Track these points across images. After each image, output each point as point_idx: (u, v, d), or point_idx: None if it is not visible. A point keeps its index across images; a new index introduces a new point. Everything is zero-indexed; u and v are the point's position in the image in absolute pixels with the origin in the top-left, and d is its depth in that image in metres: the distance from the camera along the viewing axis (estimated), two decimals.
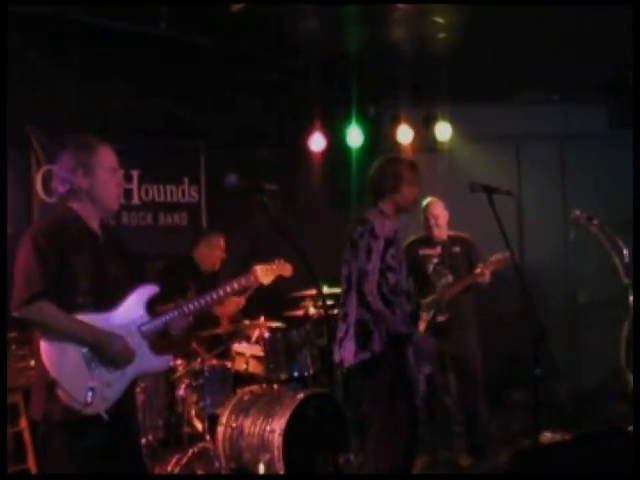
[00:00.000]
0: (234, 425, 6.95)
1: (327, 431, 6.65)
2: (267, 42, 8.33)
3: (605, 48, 7.93)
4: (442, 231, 7.66)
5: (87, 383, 4.17)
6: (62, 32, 7.45)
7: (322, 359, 7.35)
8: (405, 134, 9.85)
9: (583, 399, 9.01)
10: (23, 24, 7.18)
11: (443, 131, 9.81)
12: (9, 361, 6.74)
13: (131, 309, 4.47)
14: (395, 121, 9.93)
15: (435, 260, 7.57)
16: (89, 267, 4.32)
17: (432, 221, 7.61)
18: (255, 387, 7.33)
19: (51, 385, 4.14)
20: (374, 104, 10.34)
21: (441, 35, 8.22)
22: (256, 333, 7.46)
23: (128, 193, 8.43)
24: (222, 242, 7.76)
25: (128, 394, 4.47)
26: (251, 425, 6.84)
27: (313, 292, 7.52)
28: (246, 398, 7.14)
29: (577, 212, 7.52)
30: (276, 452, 6.56)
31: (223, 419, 7.03)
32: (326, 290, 6.76)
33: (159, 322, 4.56)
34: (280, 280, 5.54)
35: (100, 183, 4.42)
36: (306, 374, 7.30)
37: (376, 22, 7.96)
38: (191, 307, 4.70)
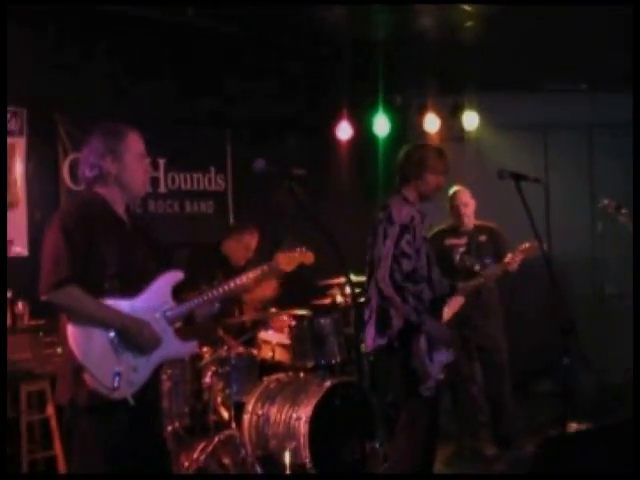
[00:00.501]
0: (260, 413, 6.95)
1: (353, 419, 6.67)
2: (294, 30, 8.32)
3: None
4: (470, 220, 7.66)
5: (114, 368, 4.20)
6: (89, 20, 7.47)
7: (349, 347, 7.34)
8: (432, 123, 9.81)
9: (609, 390, 8.96)
10: (51, 11, 7.21)
11: (470, 120, 9.77)
12: (38, 348, 6.79)
13: (157, 295, 4.49)
14: (422, 110, 9.88)
15: (461, 249, 7.57)
16: (116, 252, 4.35)
17: (462, 209, 7.60)
18: (281, 375, 7.31)
19: (78, 370, 4.16)
20: (401, 93, 10.31)
21: (468, 23, 8.19)
22: (283, 321, 7.47)
23: (155, 181, 8.46)
24: (253, 242, 7.69)
25: (153, 379, 4.49)
26: (277, 413, 6.84)
27: (340, 280, 7.52)
28: (272, 386, 7.14)
29: (605, 201, 7.46)
30: (302, 440, 6.55)
31: (249, 407, 7.03)
32: (353, 278, 6.74)
33: (184, 308, 4.58)
34: (302, 267, 5.51)
35: (128, 169, 4.45)
36: (333, 362, 7.29)
37: (403, 10, 7.94)
38: (215, 293, 4.71)
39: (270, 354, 7.50)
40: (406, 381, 5.52)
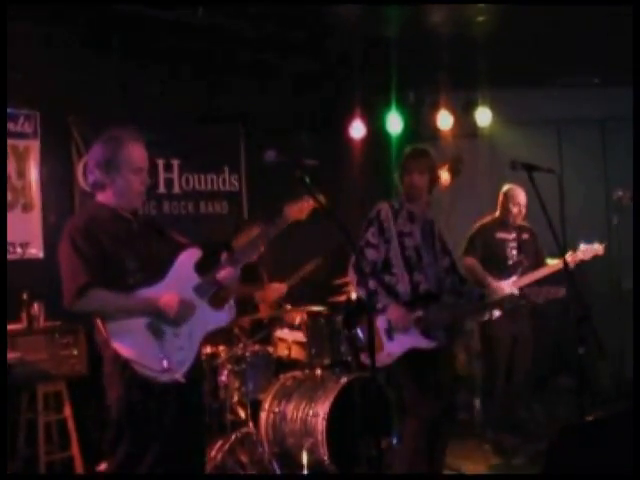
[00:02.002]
0: (277, 410, 6.96)
1: (370, 416, 6.66)
2: (307, 27, 8.31)
3: None
4: (519, 218, 7.87)
5: (159, 353, 4.31)
6: (102, 21, 7.48)
7: None
8: (445, 120, 9.77)
9: (627, 384, 8.95)
10: (62, 14, 7.23)
11: (483, 116, 9.73)
12: (54, 349, 6.79)
13: (181, 274, 4.58)
14: (435, 107, 9.87)
15: (512, 244, 7.82)
16: (131, 249, 4.45)
17: (516, 209, 7.79)
18: (298, 372, 7.32)
19: (125, 365, 4.26)
20: (414, 90, 10.30)
21: (480, 19, 8.17)
22: (298, 319, 7.47)
23: (169, 182, 8.51)
24: None
25: (197, 357, 4.60)
26: (294, 410, 6.85)
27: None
28: (289, 383, 7.14)
29: (620, 192, 7.51)
30: (319, 437, 6.56)
31: (266, 404, 7.03)
32: None
33: (211, 279, 4.67)
34: (316, 211, 5.36)
35: (123, 180, 4.52)
36: (349, 359, 7.28)
37: (415, 5, 7.92)
38: (237, 257, 4.84)
39: (286, 352, 7.50)
40: (351, 349, 6.32)
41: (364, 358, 5.84)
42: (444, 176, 8.76)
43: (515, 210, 7.79)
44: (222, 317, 4.76)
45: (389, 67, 9.07)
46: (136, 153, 4.56)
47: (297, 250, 7.91)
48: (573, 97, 9.97)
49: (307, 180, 4.43)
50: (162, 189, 8.44)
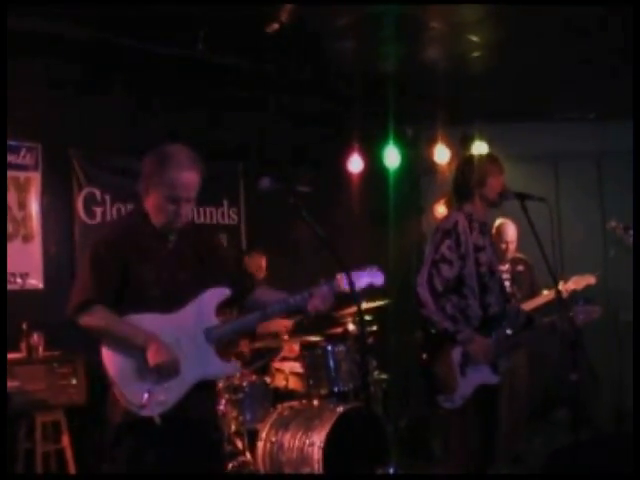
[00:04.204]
0: (274, 440, 6.94)
1: (367, 445, 6.66)
2: (305, 64, 8.41)
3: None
4: (512, 252, 7.99)
5: (144, 385, 4.06)
6: (103, 56, 7.58)
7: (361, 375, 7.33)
8: (442, 154, 9.87)
9: (625, 416, 8.95)
10: (65, 48, 7.33)
11: (480, 151, 9.79)
12: (52, 378, 6.82)
13: (200, 312, 4.28)
14: (432, 141, 9.96)
15: (505, 276, 7.80)
16: (155, 274, 4.20)
17: (504, 246, 7.90)
18: (295, 402, 7.32)
19: (110, 386, 4.11)
20: (411, 125, 10.39)
21: (476, 54, 8.26)
22: (296, 350, 7.50)
23: None
24: (261, 262, 7.77)
25: (197, 398, 4.23)
26: (291, 439, 6.83)
27: (352, 309, 7.51)
28: (286, 413, 7.14)
29: (613, 223, 7.55)
30: (316, 466, 6.54)
31: (263, 434, 7.02)
32: (364, 305, 6.83)
33: (228, 328, 4.40)
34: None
35: (153, 203, 4.25)
36: (346, 389, 7.27)
37: (411, 41, 8.02)
38: (269, 311, 4.41)
39: (283, 383, 7.51)
40: (426, 388, 5.27)
41: (443, 401, 5.09)
42: (440, 209, 8.85)
43: (503, 247, 7.88)
44: (226, 368, 4.54)
45: (387, 102, 9.15)
46: (180, 181, 4.23)
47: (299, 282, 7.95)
48: (569, 131, 10.07)
49: (302, 208, 4.31)
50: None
